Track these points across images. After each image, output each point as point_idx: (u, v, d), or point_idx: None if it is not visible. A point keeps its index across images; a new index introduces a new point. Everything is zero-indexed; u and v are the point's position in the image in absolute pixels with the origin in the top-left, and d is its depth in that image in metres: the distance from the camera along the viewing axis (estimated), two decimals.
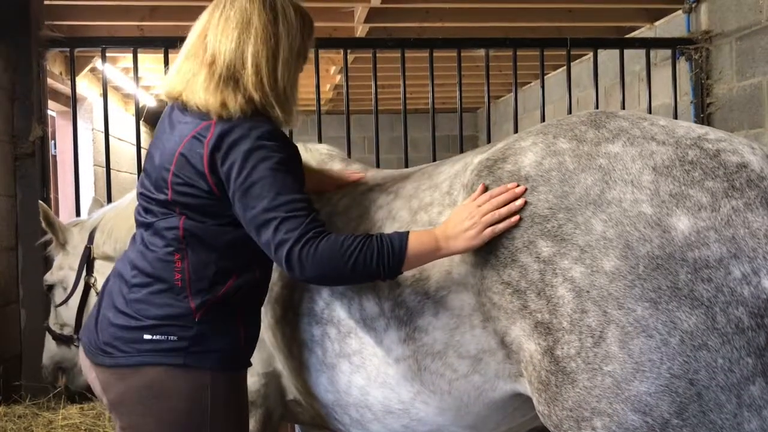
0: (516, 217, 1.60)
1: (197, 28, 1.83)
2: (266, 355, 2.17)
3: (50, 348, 3.09)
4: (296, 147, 1.86)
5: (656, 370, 1.41)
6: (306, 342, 2.02)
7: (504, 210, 1.61)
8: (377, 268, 1.67)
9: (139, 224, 1.87)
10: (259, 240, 1.72)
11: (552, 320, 1.52)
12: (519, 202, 1.60)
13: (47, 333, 3.11)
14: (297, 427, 2.77)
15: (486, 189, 1.67)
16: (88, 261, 2.84)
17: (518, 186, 1.62)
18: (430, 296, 1.76)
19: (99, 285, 2.78)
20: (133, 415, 1.82)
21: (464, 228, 1.64)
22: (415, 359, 1.79)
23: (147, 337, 1.77)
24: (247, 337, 1.88)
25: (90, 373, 1.88)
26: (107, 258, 2.78)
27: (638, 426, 1.43)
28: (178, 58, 1.85)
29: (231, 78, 1.75)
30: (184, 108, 1.81)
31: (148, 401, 1.78)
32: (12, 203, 4.51)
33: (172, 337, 1.77)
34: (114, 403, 1.84)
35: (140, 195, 1.87)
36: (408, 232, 1.69)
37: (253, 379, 2.18)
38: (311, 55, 4.76)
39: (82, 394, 3.19)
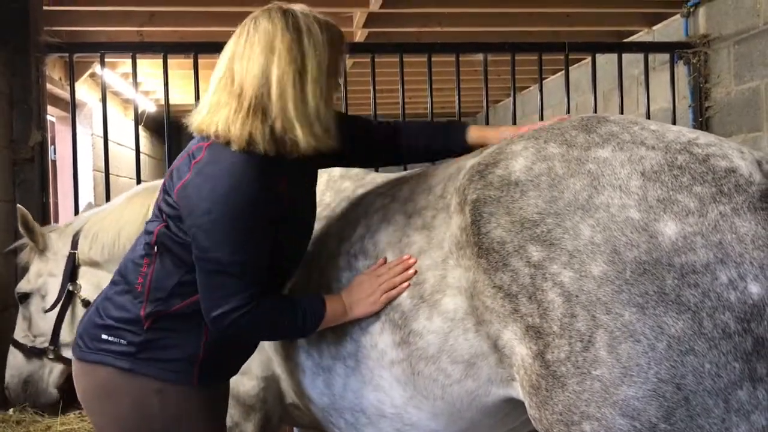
0: (407, 284, 1.80)
1: (224, 57, 1.77)
2: (265, 358, 2.18)
3: (17, 365, 2.90)
4: (277, 187, 1.77)
5: (644, 375, 1.41)
6: (302, 344, 2.02)
7: (398, 279, 1.81)
8: (294, 336, 1.90)
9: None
10: (199, 282, 1.74)
11: (542, 324, 1.52)
12: (411, 271, 1.80)
13: (13, 349, 2.91)
14: (296, 431, 2.78)
15: (385, 261, 1.87)
16: (72, 267, 2.75)
17: (410, 258, 1.81)
18: (425, 299, 1.77)
19: (83, 292, 2.73)
20: (92, 414, 1.87)
21: (366, 295, 1.84)
22: (409, 363, 1.79)
23: (104, 336, 1.81)
24: (210, 357, 1.83)
25: (72, 366, 1.92)
26: (93, 264, 2.70)
27: (626, 430, 1.43)
28: (208, 92, 1.79)
29: (259, 107, 1.70)
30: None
31: (101, 401, 1.82)
32: (11, 208, 4.51)
33: (122, 340, 1.80)
34: (81, 400, 1.89)
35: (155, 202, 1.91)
36: (324, 303, 1.85)
37: (252, 383, 2.18)
38: None
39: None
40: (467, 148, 2.02)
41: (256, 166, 1.70)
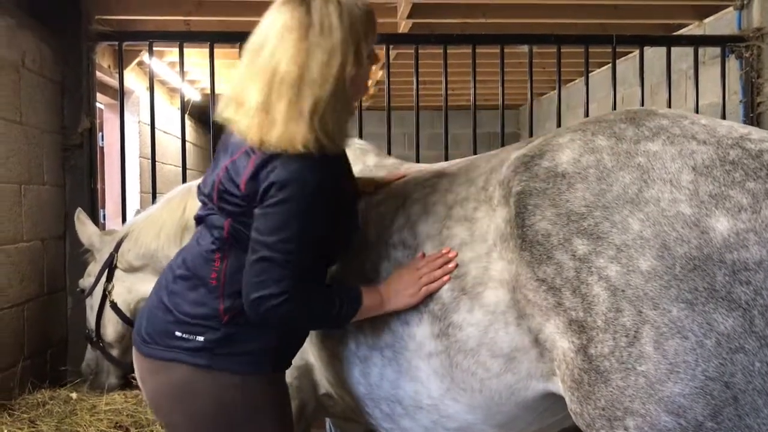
0: (447, 277, 1.79)
1: (246, 49, 1.75)
2: None
3: (88, 350, 3.17)
4: (334, 180, 1.75)
5: (691, 372, 1.39)
6: (339, 334, 2.03)
7: (438, 272, 1.80)
8: (329, 326, 1.90)
9: (197, 219, 1.91)
10: (248, 262, 1.71)
11: (586, 318, 1.51)
12: (451, 265, 1.79)
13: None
14: (327, 421, 2.80)
15: (424, 254, 1.86)
16: (109, 268, 2.90)
17: (450, 251, 1.80)
18: (466, 292, 1.76)
19: (115, 294, 2.88)
20: (166, 413, 1.85)
21: (404, 287, 1.83)
22: (448, 355, 1.79)
23: (177, 333, 1.78)
24: (284, 336, 1.84)
25: (135, 363, 1.91)
26: (130, 267, 2.84)
27: (671, 427, 1.41)
28: (234, 77, 1.79)
29: (265, 106, 1.67)
30: None
31: (177, 400, 1.79)
32: (61, 193, 4.64)
33: (199, 337, 1.76)
34: (149, 399, 1.87)
35: (199, 193, 1.90)
36: (361, 294, 1.83)
37: (287, 372, 2.20)
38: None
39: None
40: None
41: (323, 160, 1.68)
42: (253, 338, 1.79)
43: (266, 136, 1.66)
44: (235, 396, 1.77)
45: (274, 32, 1.68)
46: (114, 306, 2.90)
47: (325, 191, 1.70)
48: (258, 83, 1.67)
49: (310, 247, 1.72)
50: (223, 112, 1.76)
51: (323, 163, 1.68)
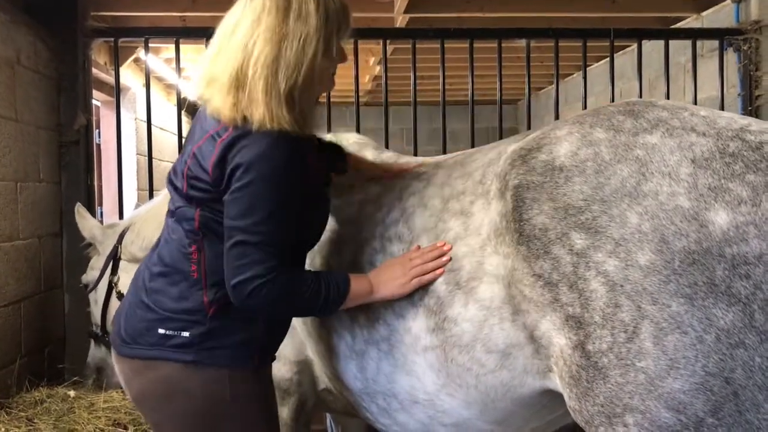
0: (441, 270, 1.77)
1: (218, 31, 1.75)
2: (298, 342, 2.18)
3: (91, 346, 3.16)
4: (302, 159, 1.74)
5: (691, 368, 1.38)
6: (336, 328, 2.02)
7: (431, 264, 1.79)
8: (317, 312, 1.82)
9: (168, 211, 1.88)
10: (225, 249, 1.70)
11: (584, 314, 1.49)
12: (445, 258, 1.78)
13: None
14: (327, 417, 2.79)
15: (419, 247, 1.84)
16: (114, 260, 2.89)
17: (445, 245, 1.79)
18: (461, 286, 1.75)
19: (121, 285, 2.86)
20: (153, 413, 1.82)
21: (395, 277, 1.82)
22: (443, 350, 1.77)
23: (161, 331, 1.75)
24: (269, 328, 1.83)
25: (116, 365, 1.88)
26: (134, 258, 2.83)
27: (671, 424, 1.40)
28: (206, 57, 1.77)
29: (240, 83, 1.68)
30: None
31: (165, 399, 1.77)
32: (57, 190, 4.61)
33: (184, 332, 1.74)
34: (135, 400, 1.85)
35: (168, 182, 1.87)
36: (349, 279, 1.81)
37: (286, 368, 2.19)
38: (350, 45, 4.78)
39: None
40: None
41: (287, 137, 1.67)
42: (238, 330, 1.77)
43: (247, 112, 1.66)
44: (224, 391, 1.75)
45: (250, 13, 1.69)
46: (121, 296, 2.89)
47: (293, 168, 1.69)
48: (234, 62, 1.67)
49: (286, 227, 1.70)
50: (196, 90, 1.76)
51: (290, 142, 1.67)
